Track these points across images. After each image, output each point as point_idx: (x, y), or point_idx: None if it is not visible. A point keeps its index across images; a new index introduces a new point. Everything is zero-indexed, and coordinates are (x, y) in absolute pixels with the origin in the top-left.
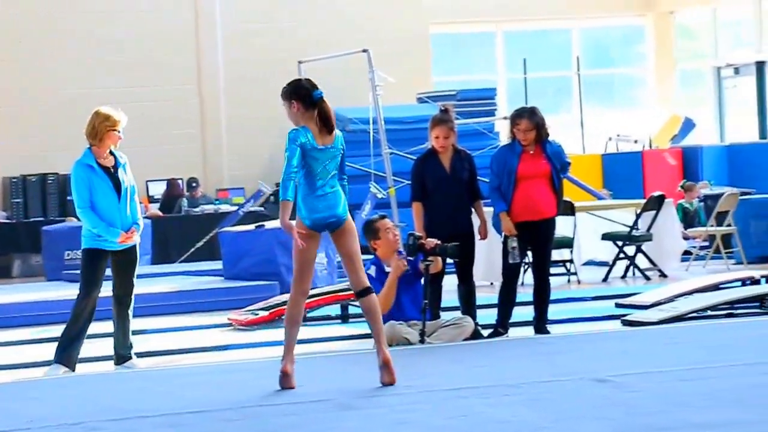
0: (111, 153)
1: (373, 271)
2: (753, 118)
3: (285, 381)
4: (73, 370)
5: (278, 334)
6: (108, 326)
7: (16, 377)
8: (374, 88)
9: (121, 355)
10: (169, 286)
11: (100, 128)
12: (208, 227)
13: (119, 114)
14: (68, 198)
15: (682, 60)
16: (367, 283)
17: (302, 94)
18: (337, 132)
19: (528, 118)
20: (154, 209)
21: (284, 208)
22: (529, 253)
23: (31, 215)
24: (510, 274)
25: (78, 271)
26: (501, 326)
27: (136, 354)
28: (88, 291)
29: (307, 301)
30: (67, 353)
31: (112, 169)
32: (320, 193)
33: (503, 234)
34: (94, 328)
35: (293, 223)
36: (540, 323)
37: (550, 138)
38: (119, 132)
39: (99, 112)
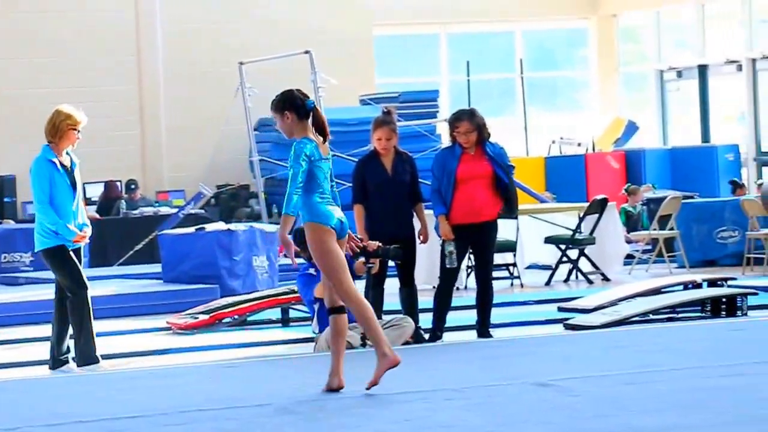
0: (66, 153)
1: (313, 270)
2: (696, 122)
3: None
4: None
5: (218, 338)
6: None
7: None
8: (316, 89)
9: (59, 359)
10: (108, 290)
11: (60, 126)
12: (147, 230)
13: (80, 114)
14: (5, 200)
15: (626, 63)
16: (342, 303)
17: (296, 105)
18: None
19: (468, 120)
20: (91, 212)
21: (286, 222)
22: (472, 257)
23: None
24: (446, 279)
25: (16, 274)
26: (437, 329)
27: (72, 358)
28: (80, 285)
29: (248, 304)
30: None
31: (68, 168)
32: (329, 202)
33: (441, 238)
34: (29, 332)
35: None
36: (483, 328)
37: (491, 139)
38: (78, 132)
39: (60, 111)
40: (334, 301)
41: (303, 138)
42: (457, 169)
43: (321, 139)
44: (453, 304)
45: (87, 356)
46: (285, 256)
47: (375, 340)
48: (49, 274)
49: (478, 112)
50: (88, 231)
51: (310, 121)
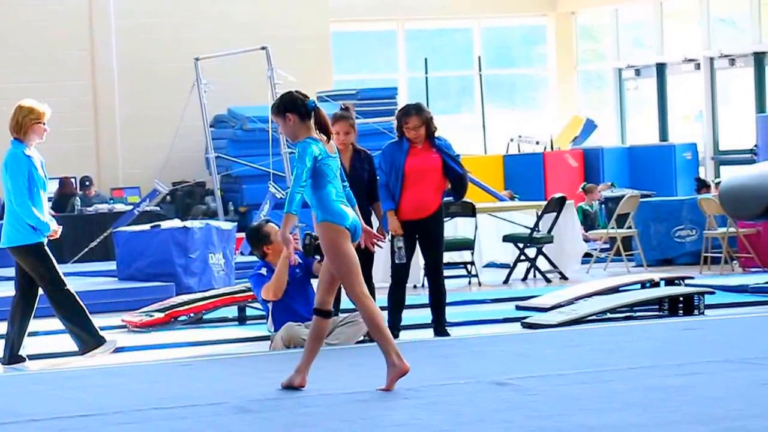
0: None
1: (264, 271)
2: (654, 120)
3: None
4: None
5: (173, 336)
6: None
7: None
8: (273, 86)
9: (14, 356)
10: None
11: (24, 122)
12: (102, 227)
13: (43, 106)
14: None
15: (584, 61)
16: (330, 306)
17: (297, 106)
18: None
19: (417, 114)
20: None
21: (288, 220)
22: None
23: None
24: (397, 276)
25: None
26: (392, 328)
27: (27, 356)
28: (62, 280)
29: (205, 302)
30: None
31: (40, 163)
32: (343, 201)
33: (389, 233)
34: None
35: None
36: (439, 326)
37: (437, 134)
38: (44, 124)
39: (22, 106)
40: (324, 303)
41: (307, 138)
42: (405, 164)
43: (325, 138)
44: (412, 303)
45: (96, 339)
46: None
47: (383, 347)
48: (1, 272)
49: (424, 106)
50: (59, 227)
51: (312, 121)
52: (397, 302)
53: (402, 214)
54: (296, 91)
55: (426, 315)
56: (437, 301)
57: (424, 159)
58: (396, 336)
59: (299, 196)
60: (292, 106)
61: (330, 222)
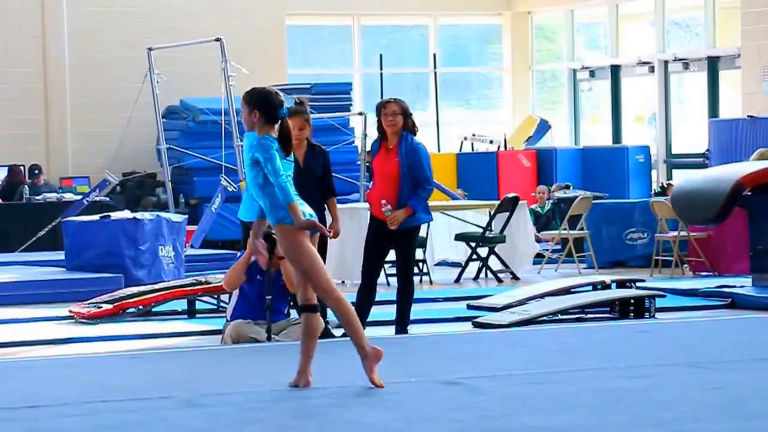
0: None
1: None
2: (607, 122)
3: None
4: None
5: (122, 328)
6: None
7: None
8: (227, 78)
9: None
10: (9, 276)
11: None
12: (50, 216)
13: None
14: None
15: (539, 61)
16: (315, 301)
17: (269, 109)
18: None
19: (395, 102)
20: None
21: (295, 209)
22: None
23: None
24: (367, 276)
25: None
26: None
27: None
28: None
29: (154, 295)
30: None
31: None
32: (297, 198)
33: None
34: None
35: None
36: (399, 324)
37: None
38: None
39: None
40: (308, 298)
41: (267, 134)
42: (372, 162)
43: (285, 150)
44: (381, 299)
45: None
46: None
47: (355, 340)
48: None
49: (404, 101)
50: None
51: (276, 126)
52: (365, 301)
53: (374, 211)
54: (276, 93)
55: (384, 312)
56: (404, 299)
57: (385, 161)
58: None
59: (289, 184)
60: (264, 106)
61: (286, 224)
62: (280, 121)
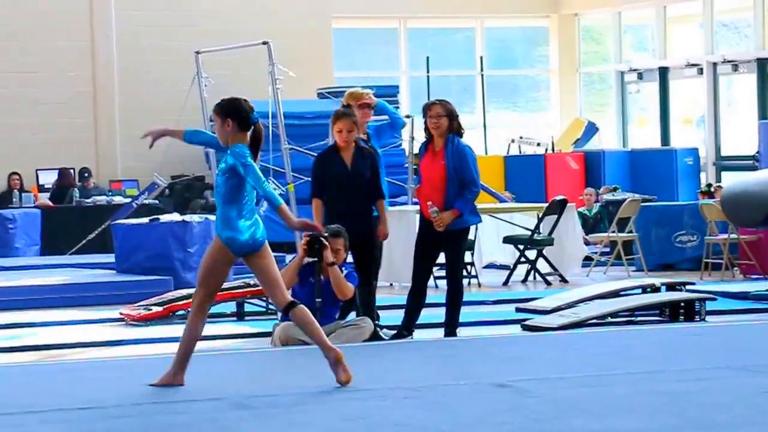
0: None
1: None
2: (655, 124)
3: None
4: None
5: (172, 330)
6: None
7: None
8: (274, 81)
9: None
10: (60, 278)
11: None
12: (100, 219)
13: None
14: None
15: (586, 63)
16: (289, 298)
17: (241, 115)
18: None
19: (439, 103)
20: (44, 199)
21: (284, 211)
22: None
23: None
24: (415, 277)
25: None
26: (404, 328)
27: (23, 347)
28: None
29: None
30: None
31: None
32: (249, 216)
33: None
34: None
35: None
36: (449, 327)
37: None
38: None
39: None
40: (283, 301)
41: (240, 143)
42: (420, 164)
43: (255, 154)
44: (430, 302)
45: None
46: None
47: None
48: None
49: (450, 103)
50: None
51: (248, 133)
52: (415, 303)
53: (424, 213)
54: (245, 101)
55: (434, 314)
56: (453, 302)
57: (432, 163)
58: (405, 336)
59: (274, 190)
60: (236, 113)
61: (222, 240)
62: (252, 128)
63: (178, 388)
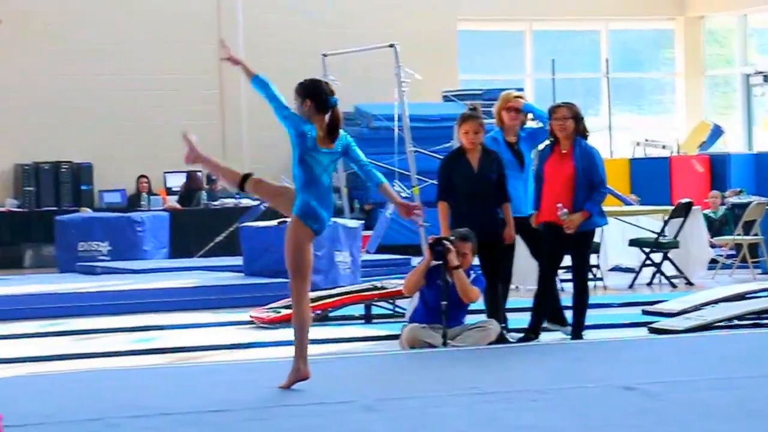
0: None
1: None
2: None
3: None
4: None
5: None
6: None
7: (27, 371)
8: (400, 84)
9: None
10: (188, 281)
11: None
12: (227, 221)
13: None
14: (82, 187)
15: (711, 66)
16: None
17: (320, 96)
18: (342, 131)
19: (565, 106)
20: (173, 202)
21: (249, 70)
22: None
23: (44, 204)
24: (542, 279)
25: (94, 263)
26: (531, 331)
27: (153, 350)
28: None
29: (331, 300)
30: None
31: None
32: (323, 197)
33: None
34: (108, 322)
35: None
36: (575, 329)
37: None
38: None
39: None
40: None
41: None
42: (544, 166)
43: (330, 138)
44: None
45: None
46: None
47: (296, 351)
48: (129, 264)
49: (575, 105)
50: None
51: (326, 116)
52: (538, 306)
53: (546, 217)
54: (326, 83)
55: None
56: (579, 304)
57: (559, 165)
58: (532, 339)
59: (270, 85)
60: (315, 94)
61: (301, 220)
62: (330, 111)
63: (307, 390)
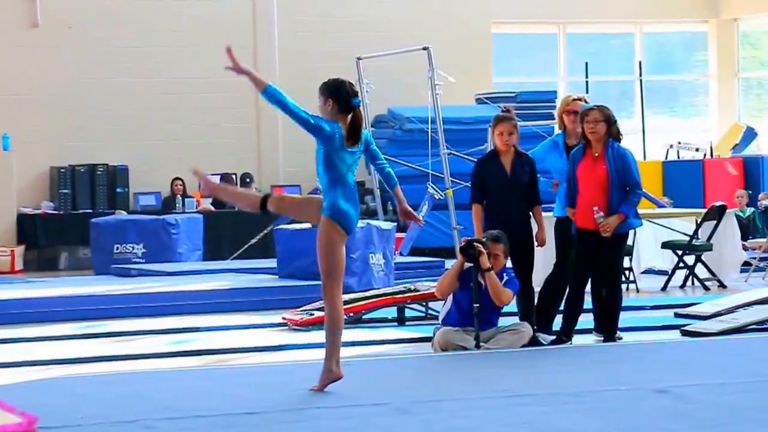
0: None
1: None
2: None
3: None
4: None
5: None
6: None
7: (62, 372)
8: (433, 87)
9: None
10: (222, 284)
11: None
12: (261, 224)
13: None
14: (117, 190)
15: (745, 68)
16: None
17: (342, 97)
18: (365, 132)
19: (597, 108)
20: (207, 204)
21: (257, 79)
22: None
23: (80, 207)
24: (574, 283)
25: (129, 266)
26: (564, 334)
27: (187, 352)
28: None
29: (364, 302)
30: None
31: None
32: (350, 196)
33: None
34: (143, 324)
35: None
36: (609, 332)
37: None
38: None
39: None
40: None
41: (333, 120)
42: (577, 170)
43: (353, 139)
44: (588, 306)
45: None
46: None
47: (328, 351)
48: (163, 267)
49: (608, 108)
50: None
51: (348, 116)
52: (570, 309)
53: (580, 223)
54: (349, 83)
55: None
56: (612, 306)
57: (592, 169)
58: (564, 342)
59: (288, 99)
60: (337, 94)
61: (333, 221)
62: (353, 111)
63: (340, 392)
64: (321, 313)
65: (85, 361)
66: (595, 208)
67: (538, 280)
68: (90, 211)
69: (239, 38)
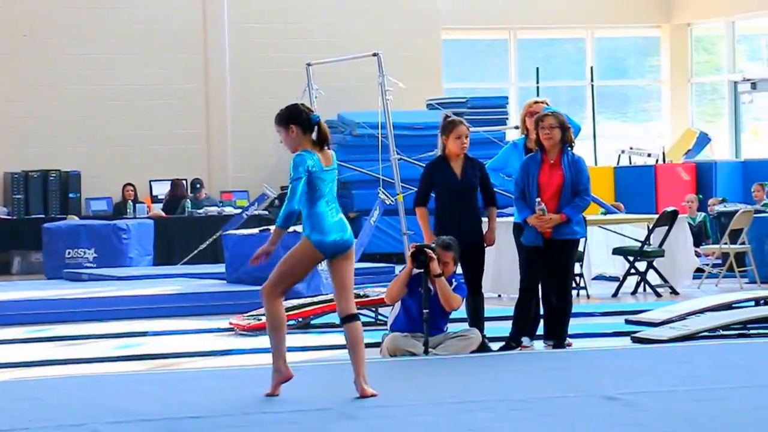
0: None
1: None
2: None
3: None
4: None
5: None
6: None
7: (12, 376)
8: (384, 92)
9: None
10: (171, 288)
11: None
12: (211, 229)
13: None
14: (69, 195)
15: (698, 73)
16: (354, 309)
17: (302, 119)
18: (331, 151)
19: (552, 114)
20: (157, 209)
21: (278, 235)
22: None
23: (32, 212)
24: (524, 290)
25: (80, 270)
26: (512, 340)
27: (135, 356)
28: None
29: (312, 308)
30: None
31: None
32: (333, 216)
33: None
34: (93, 328)
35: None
36: (558, 339)
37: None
38: None
39: None
40: (345, 310)
41: (303, 150)
42: (537, 177)
43: (323, 148)
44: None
45: None
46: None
47: (276, 352)
48: (114, 271)
49: (562, 114)
50: None
51: (313, 134)
52: (526, 316)
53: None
54: (302, 104)
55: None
56: (562, 313)
57: (549, 175)
58: (514, 348)
59: (294, 214)
60: (296, 118)
61: (312, 243)
62: (316, 127)
63: (287, 397)
64: None
65: (34, 364)
66: (538, 200)
67: (488, 287)
68: (42, 216)
69: (190, 45)
